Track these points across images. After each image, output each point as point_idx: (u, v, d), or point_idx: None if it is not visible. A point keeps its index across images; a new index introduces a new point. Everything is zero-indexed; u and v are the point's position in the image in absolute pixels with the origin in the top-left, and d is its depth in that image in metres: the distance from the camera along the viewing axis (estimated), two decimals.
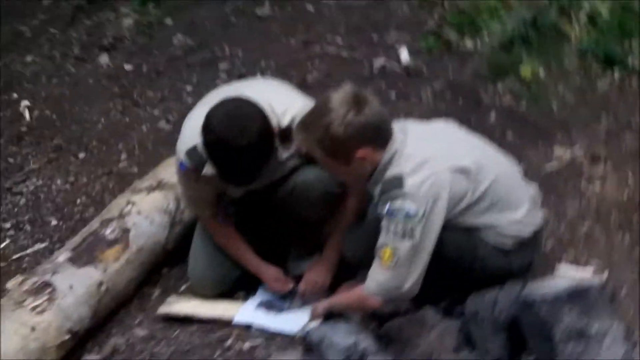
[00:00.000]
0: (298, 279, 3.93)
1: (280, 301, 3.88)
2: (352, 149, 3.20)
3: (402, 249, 3.20)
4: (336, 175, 3.44)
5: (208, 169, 3.54)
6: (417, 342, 3.42)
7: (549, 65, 5.12)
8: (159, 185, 4.09)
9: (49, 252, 4.39)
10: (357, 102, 3.18)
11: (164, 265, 4.08)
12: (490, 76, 5.12)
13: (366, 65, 5.41)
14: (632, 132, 4.60)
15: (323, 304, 3.58)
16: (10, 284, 3.74)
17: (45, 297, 3.58)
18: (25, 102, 5.52)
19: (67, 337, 3.52)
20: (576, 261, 3.86)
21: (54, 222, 4.62)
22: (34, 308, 3.54)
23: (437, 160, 3.18)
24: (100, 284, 3.69)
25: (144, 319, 3.86)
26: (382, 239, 3.22)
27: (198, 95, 5.15)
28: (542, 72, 5.10)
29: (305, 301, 3.83)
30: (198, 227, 3.98)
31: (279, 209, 3.85)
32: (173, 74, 5.65)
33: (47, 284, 3.57)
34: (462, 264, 3.36)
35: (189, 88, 5.51)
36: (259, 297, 3.93)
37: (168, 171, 4.21)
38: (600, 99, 4.88)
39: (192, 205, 3.85)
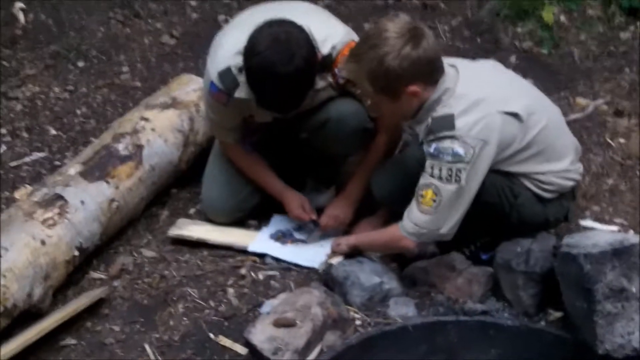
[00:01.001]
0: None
1: (297, 233, 3.77)
2: (404, 84, 3.07)
3: (446, 191, 3.09)
4: (379, 110, 3.31)
5: (241, 92, 3.37)
6: (443, 286, 3.37)
7: (571, 11, 4.99)
8: (174, 103, 3.93)
9: (49, 162, 4.23)
10: (415, 35, 3.04)
11: (173, 186, 3.96)
12: (510, 17, 4.99)
13: None
14: None
15: (348, 240, 3.47)
16: (18, 194, 3.59)
17: (56, 211, 3.41)
18: (19, 4, 5.22)
19: (76, 253, 3.40)
20: (600, 217, 3.79)
21: (52, 132, 4.43)
22: (44, 221, 3.38)
23: (489, 102, 3.06)
24: (112, 200, 3.57)
25: (152, 239, 3.75)
26: (425, 180, 3.11)
27: (203, 10, 5.05)
28: (563, 18, 4.96)
29: (324, 235, 3.72)
30: (214, 152, 3.83)
31: (306, 140, 3.71)
32: None
33: (58, 197, 3.43)
34: (500, 210, 3.27)
35: (193, 3, 5.31)
36: (273, 227, 3.81)
37: (183, 90, 4.04)
38: (623, 51, 4.78)
39: (217, 130, 3.69)
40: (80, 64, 4.90)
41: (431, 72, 3.10)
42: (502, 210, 3.26)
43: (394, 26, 3.06)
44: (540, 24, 4.92)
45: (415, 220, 3.17)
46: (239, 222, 3.78)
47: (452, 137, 3.02)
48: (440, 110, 3.07)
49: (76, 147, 4.28)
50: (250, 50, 3.19)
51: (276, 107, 3.33)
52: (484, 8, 5.08)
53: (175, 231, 3.71)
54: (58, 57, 4.93)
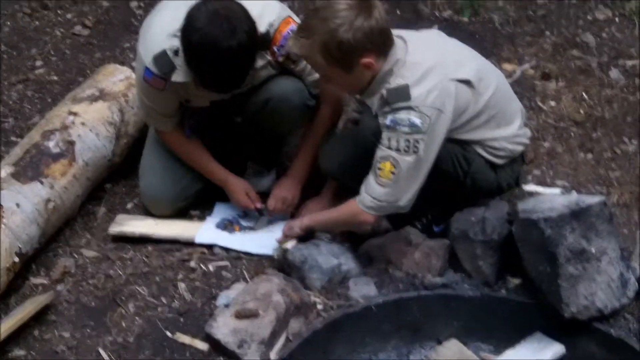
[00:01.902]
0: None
1: (244, 220, 3.67)
2: (358, 56, 3.00)
3: (404, 162, 3.04)
4: (330, 83, 3.23)
5: (178, 76, 3.25)
6: (400, 262, 3.32)
7: None
8: (102, 95, 3.79)
9: None
10: (366, 6, 2.98)
11: (107, 181, 3.83)
12: None
13: None
14: (578, 48, 4.55)
15: (302, 222, 3.39)
16: None
17: None
18: None
19: (16, 259, 3.23)
20: (543, 181, 3.81)
21: None
22: None
23: (440, 70, 3.03)
24: (48, 201, 3.42)
25: (92, 238, 3.61)
26: (382, 152, 3.05)
27: None
28: None
29: (272, 219, 3.63)
30: (149, 141, 3.69)
31: (244, 122, 3.60)
32: None
33: None
34: (454, 178, 3.25)
35: None
36: (218, 215, 3.70)
37: (109, 80, 3.90)
38: (541, 14, 4.82)
39: (153, 117, 3.54)
40: None
41: (383, 43, 3.04)
42: (457, 178, 3.25)
43: None
44: None
45: (374, 193, 3.11)
46: (182, 213, 3.68)
47: (408, 108, 2.98)
48: (394, 82, 3.02)
49: None
50: (189, 27, 3.07)
51: (218, 86, 3.21)
52: None
53: (116, 228, 3.58)
54: None
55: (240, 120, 3.66)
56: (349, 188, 3.39)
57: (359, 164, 3.18)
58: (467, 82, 3.08)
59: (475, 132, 3.19)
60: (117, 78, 3.90)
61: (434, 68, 3.04)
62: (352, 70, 3.02)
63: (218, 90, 3.27)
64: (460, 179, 3.24)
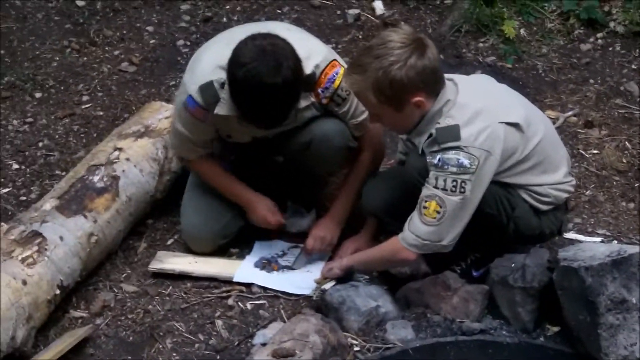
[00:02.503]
0: (296, 236, 3.76)
1: (282, 259, 3.69)
2: (409, 94, 3.04)
3: (450, 202, 3.06)
4: (376, 120, 3.25)
5: (222, 109, 3.29)
6: (438, 307, 3.32)
7: (531, 25, 5.04)
8: (147, 132, 3.86)
9: (14, 197, 4.08)
10: (420, 45, 3.03)
11: (149, 217, 3.86)
12: (471, 32, 5.02)
13: (340, 14, 5.22)
14: (622, 97, 4.56)
15: (341, 262, 3.41)
16: None
17: (35, 248, 3.29)
18: None
19: (57, 291, 3.30)
20: (583, 229, 3.80)
21: (15, 166, 4.27)
22: (24, 259, 3.26)
23: (490, 113, 3.06)
24: (91, 235, 3.47)
25: (132, 273, 3.65)
26: (428, 191, 3.08)
27: (161, 36, 4.97)
28: (523, 32, 5.01)
29: (310, 259, 3.65)
30: (192, 179, 3.75)
31: (285, 162, 3.62)
32: (131, 12, 5.32)
33: (36, 234, 3.33)
34: (498, 222, 3.25)
35: (150, 29, 5.21)
36: (257, 254, 3.73)
37: (154, 117, 3.96)
38: (585, 62, 4.83)
39: (183, 145, 3.53)
40: (38, 94, 4.74)
41: (435, 83, 3.08)
42: (500, 222, 3.25)
43: (398, 36, 3.04)
44: (502, 38, 4.94)
45: (418, 231, 3.12)
46: (221, 250, 3.71)
47: (457, 148, 3.00)
48: (444, 122, 3.05)
49: (41, 180, 4.14)
50: (235, 62, 3.11)
51: (260, 122, 3.24)
52: (445, 24, 5.09)
53: (157, 265, 3.62)
54: (14, 88, 4.78)
55: (282, 159, 3.68)
56: (388, 229, 3.43)
57: (403, 202, 3.21)
58: (516, 126, 3.11)
59: (521, 177, 3.20)
60: (162, 115, 3.95)
61: (483, 110, 3.06)
62: (402, 109, 3.06)
63: (260, 126, 3.29)
64: (503, 222, 3.24)
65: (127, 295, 3.55)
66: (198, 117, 3.35)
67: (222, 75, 3.23)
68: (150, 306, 3.49)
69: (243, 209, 3.64)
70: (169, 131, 3.83)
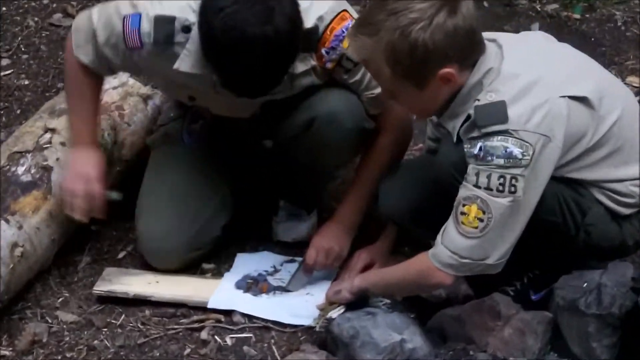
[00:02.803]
0: (292, 247, 3.82)
1: (273, 277, 3.70)
2: (435, 65, 3.00)
3: (497, 207, 3.00)
4: (395, 100, 3.23)
5: (184, 63, 3.30)
6: (484, 341, 3.31)
7: None
8: None
9: None
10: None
11: (94, 222, 3.83)
12: None
13: None
14: None
15: (352, 283, 3.40)
16: None
17: None
18: None
19: None
20: None
21: None
22: None
23: (546, 85, 3.00)
24: (15, 245, 3.49)
25: (71, 297, 3.66)
26: (467, 191, 3.02)
27: None
28: None
29: (311, 278, 3.68)
30: (153, 168, 3.75)
31: (281, 147, 3.65)
32: None
33: None
34: (562, 231, 3.23)
35: None
36: (239, 271, 3.74)
37: None
38: None
39: (86, 38, 3.49)
40: None
41: (471, 49, 3.04)
42: (566, 231, 3.24)
43: None
44: None
45: (454, 246, 3.09)
46: (192, 266, 3.75)
47: (504, 133, 2.95)
48: (485, 98, 2.99)
49: None
50: (211, 5, 3.10)
51: (241, 87, 3.22)
52: None
53: (104, 287, 3.62)
54: None
55: (272, 145, 3.70)
56: (414, 236, 3.46)
57: (434, 206, 3.19)
58: (583, 101, 3.07)
59: (593, 170, 3.18)
60: (109, 85, 3.95)
61: (538, 81, 3.01)
62: (425, 85, 3.03)
63: (240, 94, 3.29)
64: (570, 232, 3.22)
65: (64, 326, 3.54)
66: (129, 42, 3.36)
67: (190, 17, 3.23)
68: (95, 341, 3.48)
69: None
70: (118, 106, 3.90)
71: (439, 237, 3.13)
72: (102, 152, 3.60)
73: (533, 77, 3.03)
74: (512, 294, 3.42)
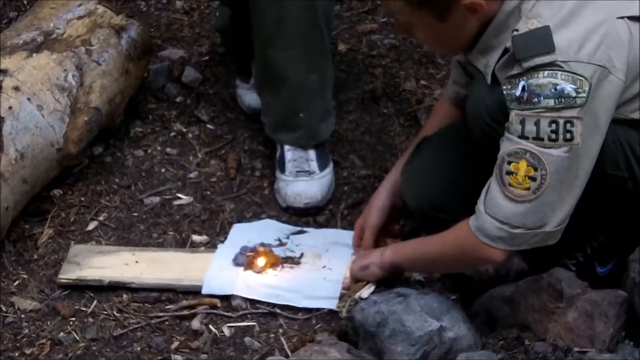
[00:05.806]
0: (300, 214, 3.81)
1: (281, 248, 3.62)
2: None
3: (552, 160, 2.92)
4: (406, 32, 3.22)
5: None
6: (543, 327, 3.23)
7: None
8: (48, 42, 3.86)
9: None
10: None
11: (56, 185, 3.88)
12: None
13: None
14: None
15: (385, 257, 3.35)
16: None
17: None
18: None
19: None
20: None
21: None
22: None
23: (601, 4, 2.96)
24: None
25: (30, 279, 3.62)
26: (511, 145, 2.95)
27: None
28: None
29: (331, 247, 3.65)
30: None
31: None
32: None
33: None
34: (628, 187, 3.17)
35: None
36: (236, 242, 3.66)
37: (60, 17, 4.00)
38: None
39: None
40: None
41: None
42: (634, 187, 3.17)
43: None
44: None
45: (503, 215, 3.02)
46: (178, 236, 3.75)
47: (551, 65, 2.88)
48: (525, 25, 2.94)
49: None
50: None
51: None
52: None
53: (70, 274, 3.58)
54: None
55: None
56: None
57: (468, 175, 3.22)
58: None
59: None
60: (71, 14, 3.95)
61: (588, 2, 2.96)
62: (447, 16, 2.99)
63: None
64: (635, 189, 3.16)
65: (22, 315, 3.51)
66: None
67: None
68: (61, 334, 3.43)
69: None
70: (84, 39, 3.89)
71: (479, 204, 3.07)
72: None
73: None
74: (574, 269, 3.39)
